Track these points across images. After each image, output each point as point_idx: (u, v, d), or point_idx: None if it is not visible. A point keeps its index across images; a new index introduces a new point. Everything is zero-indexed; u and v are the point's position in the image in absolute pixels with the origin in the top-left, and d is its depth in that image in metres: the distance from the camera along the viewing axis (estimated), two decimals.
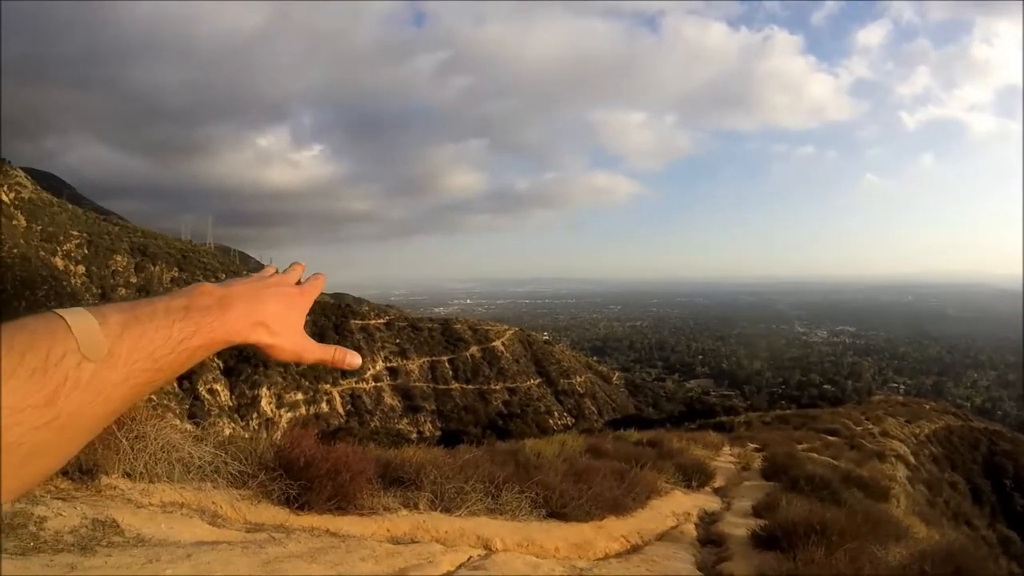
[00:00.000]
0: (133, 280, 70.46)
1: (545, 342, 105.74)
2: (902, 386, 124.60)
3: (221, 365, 64.13)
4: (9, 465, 0.67)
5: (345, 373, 71.33)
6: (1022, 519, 32.64)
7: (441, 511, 5.66)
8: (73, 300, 57.63)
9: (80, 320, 0.74)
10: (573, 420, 79.27)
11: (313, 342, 1.01)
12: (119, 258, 71.55)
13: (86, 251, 69.07)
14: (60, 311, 0.74)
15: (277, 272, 1.06)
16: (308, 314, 1.01)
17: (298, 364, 1.03)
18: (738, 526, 7.69)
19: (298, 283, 1.05)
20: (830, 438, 22.99)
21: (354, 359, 1.06)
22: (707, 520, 8.60)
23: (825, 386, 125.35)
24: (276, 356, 0.96)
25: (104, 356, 0.73)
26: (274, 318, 0.95)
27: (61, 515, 3.55)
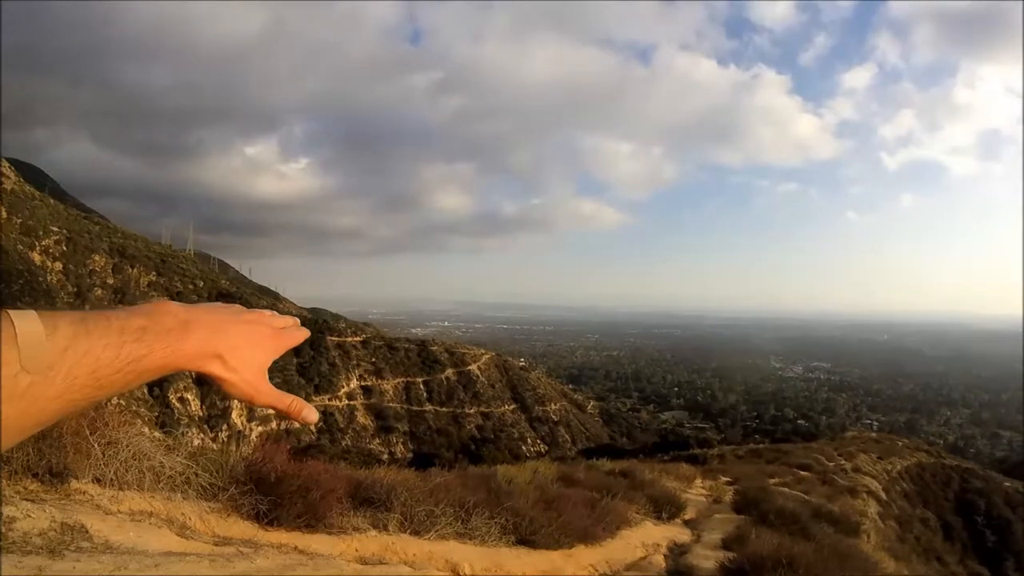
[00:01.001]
0: (110, 281, 69.61)
1: (521, 368, 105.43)
2: (875, 423, 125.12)
3: (193, 374, 63.32)
4: None
5: (319, 389, 71.20)
6: (993, 556, 32.91)
7: (411, 533, 5.64)
8: (48, 297, 57.02)
9: (28, 328, 0.73)
10: (546, 447, 78.96)
11: (271, 387, 0.99)
12: (97, 258, 70.73)
13: (65, 248, 68.21)
14: (12, 313, 0.73)
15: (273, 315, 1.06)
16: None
17: (250, 404, 1.00)
18: (707, 558, 7.70)
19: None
20: (802, 473, 23.06)
21: (311, 414, 1.04)
22: (677, 551, 8.61)
23: (799, 421, 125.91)
24: (228, 391, 0.94)
25: (43, 371, 0.73)
26: (233, 353, 0.93)
27: (30, 517, 3.52)
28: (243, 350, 0.94)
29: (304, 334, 1.09)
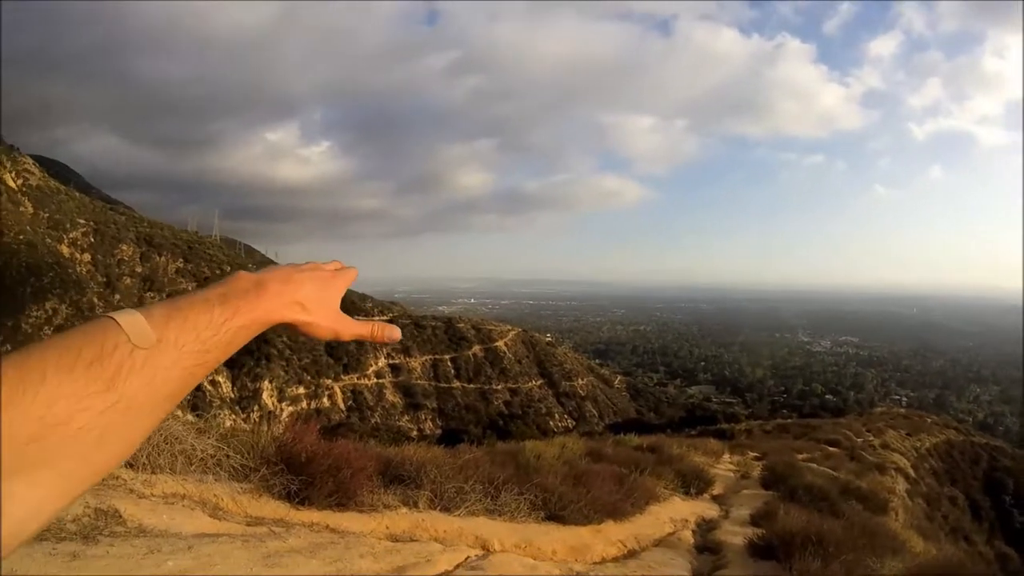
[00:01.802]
0: (138, 270, 70.51)
1: (548, 343, 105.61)
2: (904, 398, 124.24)
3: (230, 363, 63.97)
4: (83, 450, 0.74)
5: (347, 368, 71.72)
6: (1021, 536, 32.58)
7: (440, 510, 5.68)
8: (78, 287, 57.92)
9: (127, 316, 0.81)
10: (574, 423, 79.20)
11: (350, 319, 1.06)
12: (125, 247, 71.57)
13: (92, 239, 69.09)
14: (109, 313, 0.82)
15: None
16: None
17: (338, 342, 1.09)
18: (735, 534, 7.69)
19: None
20: (830, 449, 22.94)
21: (394, 332, 1.13)
22: (704, 527, 8.61)
23: (827, 396, 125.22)
24: (313, 333, 1.01)
25: (153, 343, 0.80)
26: (309, 298, 0.99)
27: None
28: (316, 294, 1.01)
29: (354, 271, 1.13)
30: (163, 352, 0.81)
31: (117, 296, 64.25)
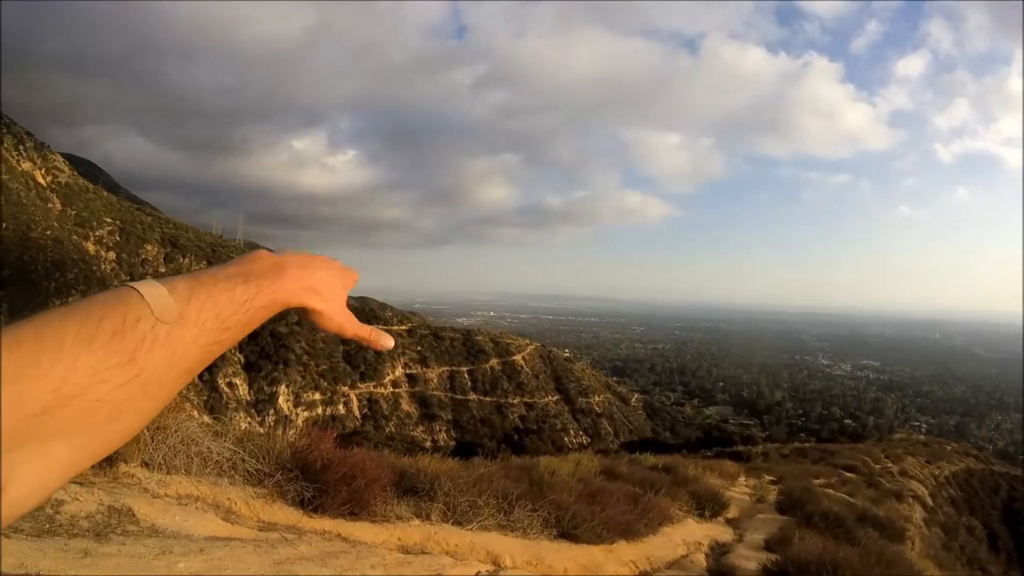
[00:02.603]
0: (162, 270, 71.16)
1: (566, 359, 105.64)
2: (924, 425, 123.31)
3: (242, 360, 64.64)
4: (97, 422, 0.75)
5: (364, 376, 71.97)
6: None
7: (453, 524, 5.66)
8: (102, 285, 58.44)
9: (150, 288, 0.81)
10: (589, 439, 79.06)
11: (354, 318, 1.06)
12: (150, 247, 72.47)
13: (118, 238, 70.00)
14: (131, 283, 0.82)
15: None
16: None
17: (341, 337, 1.08)
18: (749, 559, 7.62)
19: None
20: (848, 474, 22.71)
21: (387, 341, 1.14)
22: (718, 551, 8.53)
23: (846, 421, 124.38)
24: (322, 324, 1.01)
25: (176, 318, 0.81)
26: (324, 285, 1.00)
27: (78, 500, 3.58)
28: (330, 282, 1.01)
29: (356, 274, 1.12)
30: (184, 328, 0.81)
31: None
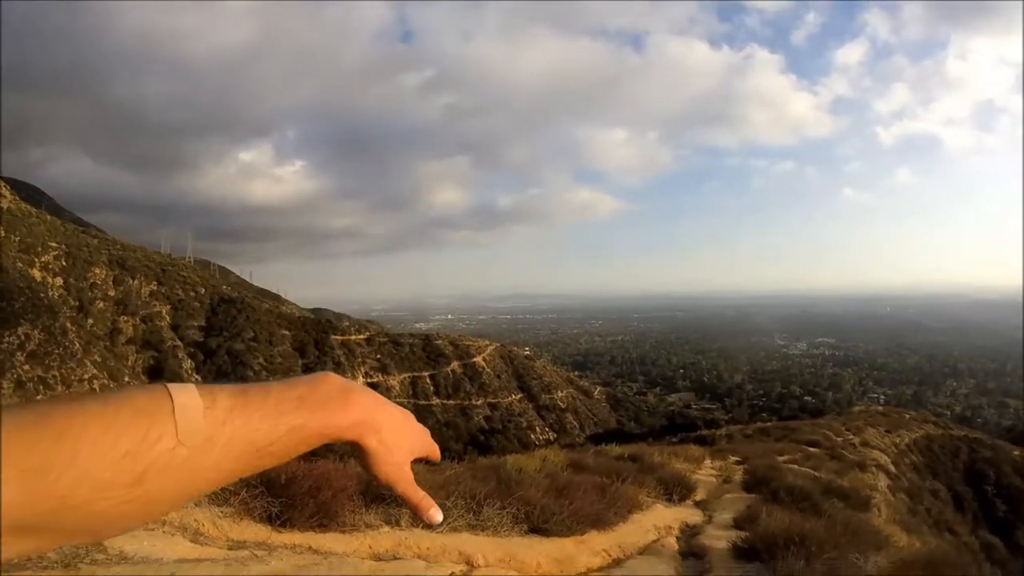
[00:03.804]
0: (112, 293, 69.69)
1: (526, 357, 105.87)
2: (882, 396, 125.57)
3: (199, 380, 63.38)
4: (92, 526, 0.71)
5: None
6: (1004, 525, 33.02)
7: (423, 528, 5.66)
8: (51, 312, 57.09)
9: (186, 401, 0.75)
10: (555, 435, 79.24)
11: (411, 477, 0.98)
12: (97, 270, 70.82)
13: (64, 263, 68.32)
14: (171, 386, 0.76)
15: None
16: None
17: (389, 486, 0.97)
18: (719, 538, 7.72)
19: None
20: (811, 449, 23.09)
21: (436, 514, 1.03)
22: (688, 533, 8.63)
23: (805, 398, 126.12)
24: (373, 468, 0.93)
25: (199, 443, 0.74)
26: (391, 430, 0.93)
27: None
28: (397, 432, 0.94)
29: (436, 450, 1.09)
30: (207, 453, 0.75)
31: (90, 320, 63.57)
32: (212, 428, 0.76)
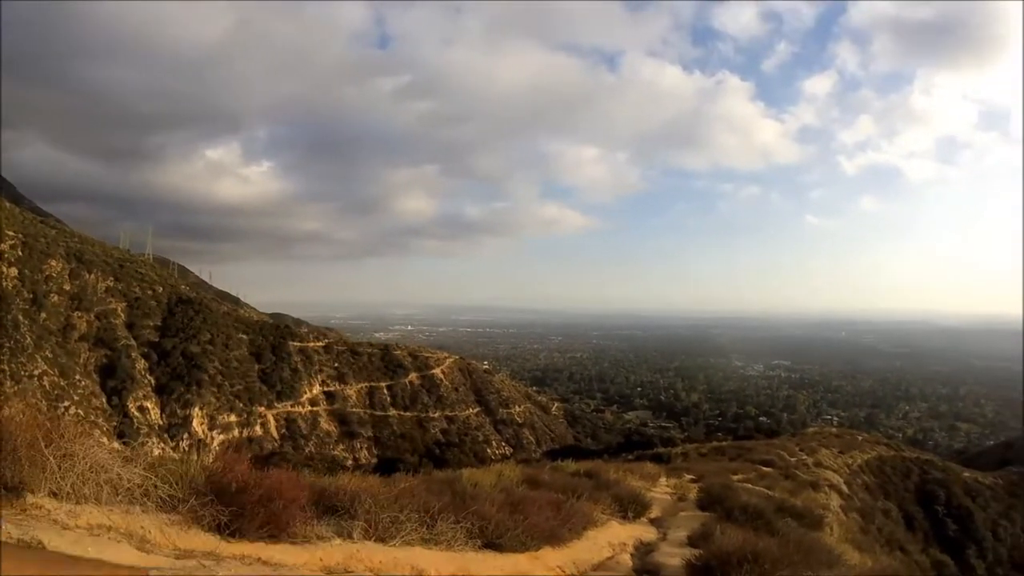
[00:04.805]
0: (67, 287, 67.92)
1: (485, 371, 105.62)
2: (836, 418, 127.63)
3: (153, 382, 62.48)
4: None
5: (281, 395, 70.44)
6: (955, 544, 33.72)
7: (375, 541, 5.59)
8: (3, 304, 55.81)
9: None
10: (511, 450, 79.25)
11: None
12: (54, 263, 69.08)
13: (20, 253, 66.56)
14: None
15: None
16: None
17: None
18: (673, 556, 7.75)
19: None
20: (765, 469, 23.34)
21: None
22: (643, 550, 8.65)
23: (761, 418, 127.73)
24: None
25: None
26: None
27: None
28: None
29: None
30: None
31: (43, 314, 62.03)
32: None
